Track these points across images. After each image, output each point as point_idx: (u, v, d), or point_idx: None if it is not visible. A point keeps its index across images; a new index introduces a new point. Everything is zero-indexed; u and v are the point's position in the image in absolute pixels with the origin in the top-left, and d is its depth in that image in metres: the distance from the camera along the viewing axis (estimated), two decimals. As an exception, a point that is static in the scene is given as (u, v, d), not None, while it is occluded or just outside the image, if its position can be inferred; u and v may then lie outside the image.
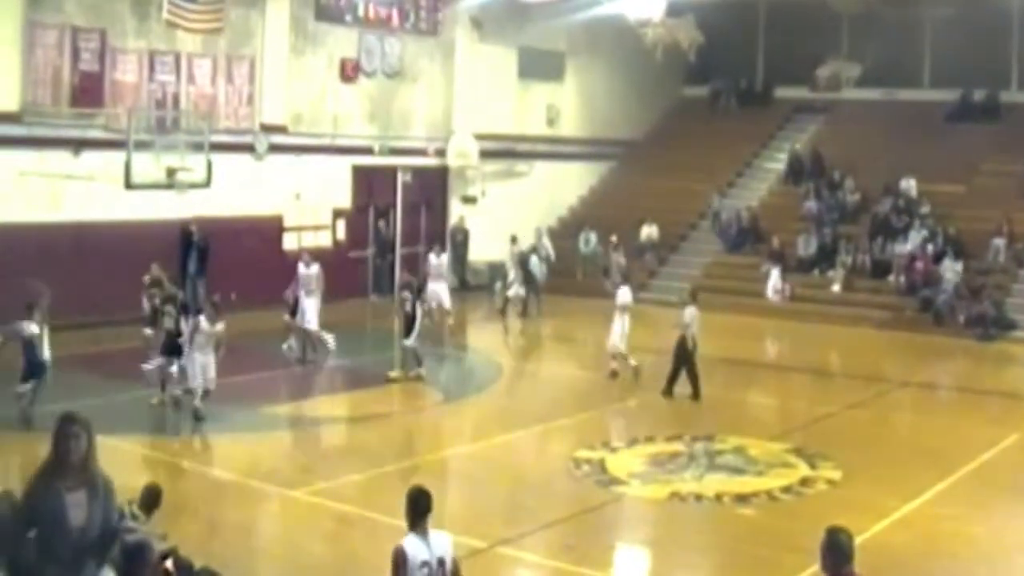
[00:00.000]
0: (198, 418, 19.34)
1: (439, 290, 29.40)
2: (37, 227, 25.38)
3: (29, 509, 8.00)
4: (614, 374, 23.42)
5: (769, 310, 33.43)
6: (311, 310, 24.77)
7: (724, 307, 33.25)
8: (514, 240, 33.42)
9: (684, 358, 22.18)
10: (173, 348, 20.35)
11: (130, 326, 23.87)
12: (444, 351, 27.48)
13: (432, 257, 30.30)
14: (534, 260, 33.07)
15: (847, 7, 39.01)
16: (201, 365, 19.55)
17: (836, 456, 18.02)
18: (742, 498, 16.09)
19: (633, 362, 23.50)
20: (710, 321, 32.37)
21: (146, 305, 22.76)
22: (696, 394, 22.16)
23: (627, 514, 16.33)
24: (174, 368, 20.20)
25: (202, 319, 19.78)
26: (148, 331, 22.18)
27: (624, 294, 23.91)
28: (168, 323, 20.63)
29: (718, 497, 16.13)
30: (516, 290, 32.34)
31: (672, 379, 22.29)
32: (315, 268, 25.50)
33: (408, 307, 23.38)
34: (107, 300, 24.63)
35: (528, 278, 32.64)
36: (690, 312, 22.40)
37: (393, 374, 23.22)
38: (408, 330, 23.18)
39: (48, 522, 7.87)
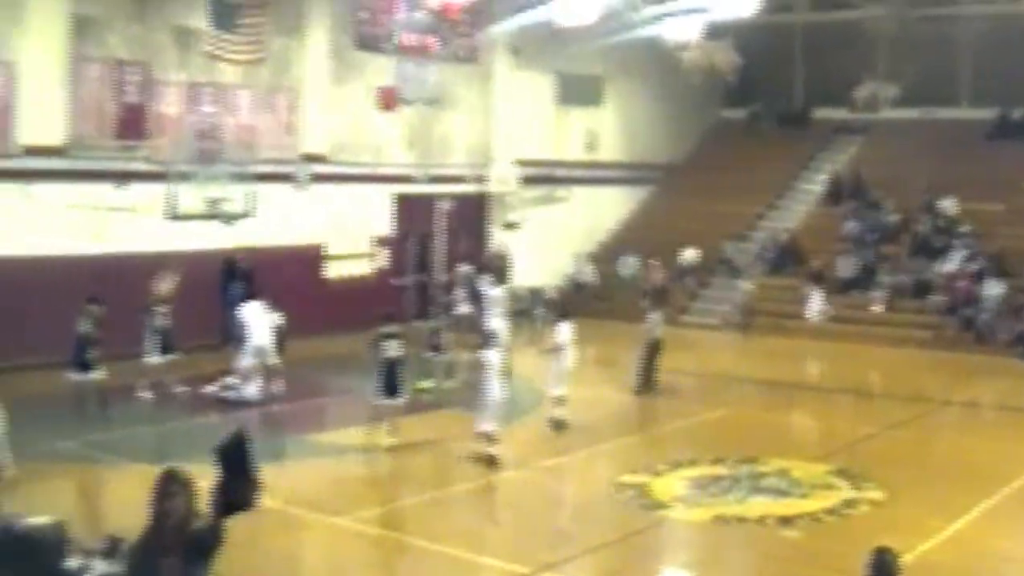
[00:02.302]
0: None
1: (500, 330, 25.15)
2: (84, 259, 25.66)
3: None
4: (557, 424, 21.51)
5: (810, 331, 33.42)
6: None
7: (765, 329, 33.44)
8: (464, 259, 32.99)
9: (650, 357, 24.77)
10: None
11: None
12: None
13: (489, 290, 28.53)
14: (485, 280, 31.00)
15: (883, 27, 39.02)
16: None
17: (879, 477, 17.99)
18: (786, 520, 16.05)
19: (559, 412, 21.58)
20: (751, 343, 32.60)
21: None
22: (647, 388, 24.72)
23: (670, 538, 16.33)
24: (399, 401, 20.12)
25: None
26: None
27: (563, 331, 22.09)
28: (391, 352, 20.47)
29: (761, 520, 16.11)
30: (463, 309, 30.44)
31: (647, 378, 24.78)
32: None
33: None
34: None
35: (475, 297, 30.88)
36: (653, 319, 25.28)
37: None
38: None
39: None
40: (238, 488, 7.52)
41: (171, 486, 7.73)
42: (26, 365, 22.59)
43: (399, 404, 19.91)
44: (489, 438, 18.85)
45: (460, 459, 18.92)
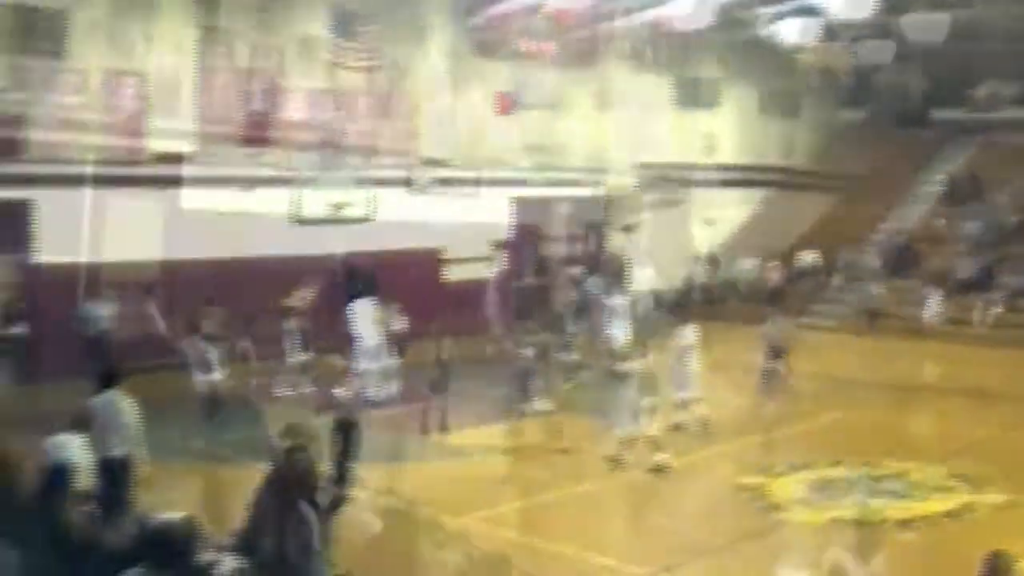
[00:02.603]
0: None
1: (620, 335, 24.66)
2: (211, 262, 26.25)
3: (247, 527, 8.26)
4: (680, 426, 21.58)
5: (928, 333, 33.17)
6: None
7: (883, 331, 33.21)
8: (578, 262, 33.21)
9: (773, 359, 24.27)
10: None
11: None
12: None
13: (604, 299, 27.97)
14: (594, 282, 30.17)
15: (1001, 26, 38.53)
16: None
17: (1000, 480, 17.94)
18: (904, 523, 16.10)
19: (682, 415, 21.69)
20: (869, 345, 32.43)
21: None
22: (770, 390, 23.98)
23: (788, 540, 16.41)
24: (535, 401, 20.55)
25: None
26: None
27: (686, 334, 21.99)
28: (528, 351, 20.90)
29: (880, 523, 16.16)
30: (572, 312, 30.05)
31: (770, 380, 24.11)
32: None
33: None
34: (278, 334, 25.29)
35: (584, 300, 30.50)
36: (778, 321, 25.05)
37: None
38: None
39: (272, 533, 8.00)
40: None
41: (297, 436, 8.01)
42: (156, 366, 23.14)
43: (535, 404, 20.26)
44: (625, 443, 19.07)
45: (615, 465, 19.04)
